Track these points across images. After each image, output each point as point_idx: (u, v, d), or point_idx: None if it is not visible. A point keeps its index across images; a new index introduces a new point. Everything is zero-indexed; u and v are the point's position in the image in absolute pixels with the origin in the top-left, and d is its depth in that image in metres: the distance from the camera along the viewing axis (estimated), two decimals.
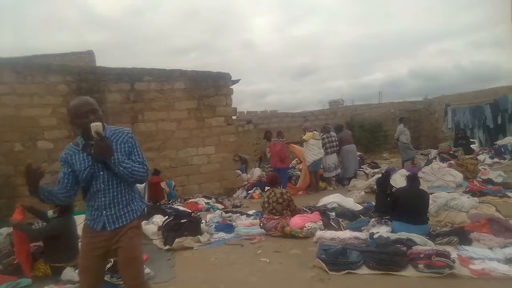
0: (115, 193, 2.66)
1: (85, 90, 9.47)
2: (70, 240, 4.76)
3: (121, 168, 2.57)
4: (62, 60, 13.39)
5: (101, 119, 2.63)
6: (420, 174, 8.46)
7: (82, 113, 2.61)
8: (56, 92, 9.24)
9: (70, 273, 4.37)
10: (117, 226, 2.65)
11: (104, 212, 2.65)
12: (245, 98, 59.65)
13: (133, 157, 2.70)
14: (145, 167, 2.69)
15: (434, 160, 11.22)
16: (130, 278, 2.66)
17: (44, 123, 9.09)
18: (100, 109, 2.72)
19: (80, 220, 6.13)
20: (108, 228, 2.64)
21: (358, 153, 12.22)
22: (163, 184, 9.53)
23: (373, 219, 5.91)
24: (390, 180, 7.72)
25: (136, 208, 2.74)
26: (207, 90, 11.00)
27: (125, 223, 2.67)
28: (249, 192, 10.48)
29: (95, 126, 2.49)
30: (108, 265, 4.31)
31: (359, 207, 7.13)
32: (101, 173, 2.63)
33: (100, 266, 2.74)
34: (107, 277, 4.16)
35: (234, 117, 11.94)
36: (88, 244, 2.68)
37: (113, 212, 2.66)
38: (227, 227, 6.42)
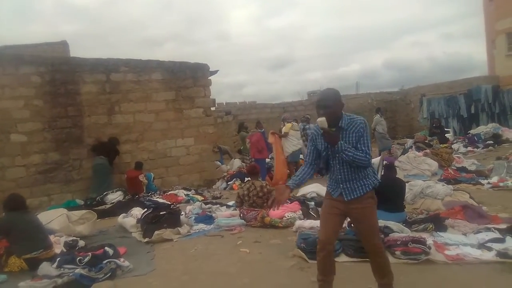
0: (349, 172, 3.11)
1: (59, 82, 9.24)
2: (24, 226, 4.68)
3: (343, 155, 3.02)
4: (34, 51, 13.02)
5: (329, 113, 3.06)
6: (396, 163, 8.61)
7: (317, 107, 3.18)
8: (29, 84, 8.96)
9: (46, 267, 4.27)
10: (352, 197, 3.12)
11: (341, 185, 3.14)
12: (223, 89, 59.39)
13: (359, 145, 3.05)
14: (368, 156, 3.05)
15: (410, 150, 11.45)
16: (368, 241, 3.19)
17: (17, 116, 8.81)
18: (335, 102, 3.11)
19: (57, 214, 6.06)
20: (345, 198, 3.13)
21: None
22: (140, 177, 9.42)
23: None
24: None
25: (369, 183, 3.13)
26: (185, 81, 10.88)
27: (359, 195, 3.10)
28: (229, 183, 10.47)
29: (319, 121, 3.03)
30: (86, 259, 4.26)
31: None
32: (337, 155, 3.09)
33: (335, 221, 3.23)
34: (84, 271, 4.12)
35: (212, 109, 11.86)
36: (327, 205, 3.29)
37: (348, 185, 3.12)
38: (207, 219, 6.41)
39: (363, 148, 3.03)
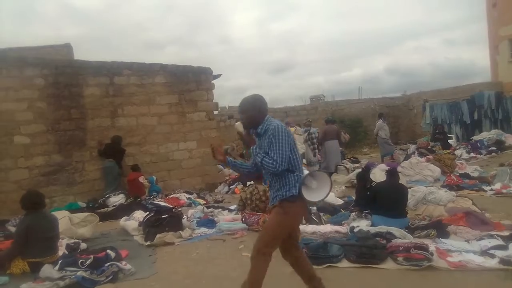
0: (272, 179, 3.19)
1: (62, 84, 9.29)
2: (41, 234, 4.63)
3: (255, 159, 3.12)
4: (38, 53, 12.99)
5: (245, 118, 3.23)
6: (399, 169, 8.60)
7: (239, 112, 3.29)
8: (33, 86, 9.01)
9: (48, 269, 4.27)
10: (271, 204, 3.24)
11: (271, 191, 3.27)
12: (225, 93, 59.76)
13: (269, 151, 3.05)
14: (275, 163, 3.00)
15: (412, 155, 11.42)
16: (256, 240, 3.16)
17: (20, 118, 8.86)
18: (249, 108, 3.18)
19: (59, 216, 6.06)
20: (269, 204, 3.33)
21: (340, 149, 12.31)
22: (141, 179, 9.42)
23: (353, 213, 5.98)
24: (370, 174, 7.84)
25: (282, 194, 3.10)
26: (188, 84, 10.90)
27: (273, 203, 3.19)
28: (231, 187, 10.47)
29: (235, 125, 3.21)
30: (88, 262, 4.27)
31: (340, 202, 7.19)
32: None
33: None
34: (86, 274, 4.12)
35: (215, 112, 11.88)
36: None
37: (272, 193, 3.24)
38: (209, 222, 6.40)
39: (271, 154, 3.01)
